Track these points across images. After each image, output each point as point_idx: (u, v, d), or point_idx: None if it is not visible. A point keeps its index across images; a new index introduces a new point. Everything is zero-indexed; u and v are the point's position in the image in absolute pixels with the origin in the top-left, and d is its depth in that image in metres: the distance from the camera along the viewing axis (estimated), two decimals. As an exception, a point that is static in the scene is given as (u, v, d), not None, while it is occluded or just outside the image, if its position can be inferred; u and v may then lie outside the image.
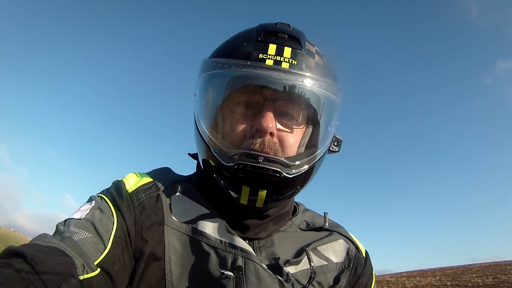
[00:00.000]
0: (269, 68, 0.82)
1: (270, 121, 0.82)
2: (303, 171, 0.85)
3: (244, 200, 0.84)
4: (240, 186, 0.82)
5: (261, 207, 0.85)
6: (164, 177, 0.93)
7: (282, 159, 0.82)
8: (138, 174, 0.95)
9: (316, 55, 0.90)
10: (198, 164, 1.02)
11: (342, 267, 0.94)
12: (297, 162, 0.84)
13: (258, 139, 0.82)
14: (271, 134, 0.82)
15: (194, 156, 1.02)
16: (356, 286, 0.94)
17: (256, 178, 0.80)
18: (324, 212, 1.05)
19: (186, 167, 1.07)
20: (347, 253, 0.97)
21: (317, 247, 0.93)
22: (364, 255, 1.01)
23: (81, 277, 0.68)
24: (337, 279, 0.92)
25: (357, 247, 1.00)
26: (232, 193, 0.85)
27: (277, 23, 0.90)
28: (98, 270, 0.71)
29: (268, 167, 0.80)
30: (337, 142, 0.97)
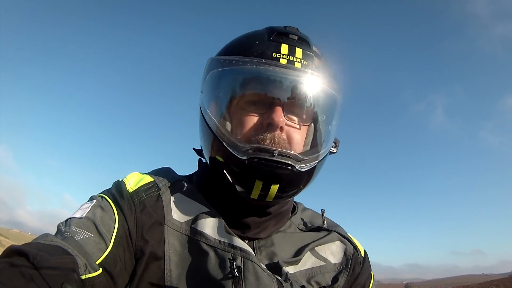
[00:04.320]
0: (284, 66, 0.85)
1: (281, 116, 0.84)
2: (313, 166, 0.88)
3: (255, 195, 0.84)
4: (253, 181, 0.83)
5: (270, 201, 0.87)
6: (164, 177, 0.93)
7: (293, 153, 0.85)
8: (138, 174, 0.94)
9: (322, 57, 0.93)
10: (200, 162, 1.02)
11: (340, 267, 0.95)
12: (307, 158, 0.87)
13: (268, 134, 0.84)
14: (281, 129, 0.85)
15: (198, 151, 1.02)
16: (354, 285, 0.95)
17: (271, 171, 0.82)
18: (321, 210, 1.06)
19: (187, 167, 1.07)
20: (345, 254, 0.98)
21: (315, 248, 0.94)
22: (362, 254, 1.01)
23: (83, 277, 0.68)
24: (335, 279, 0.92)
25: (355, 247, 1.01)
26: (239, 188, 0.85)
27: (286, 26, 0.92)
28: (100, 270, 0.71)
29: (283, 160, 0.82)
30: (335, 143, 0.99)
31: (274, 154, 0.81)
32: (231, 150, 0.83)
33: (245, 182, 0.84)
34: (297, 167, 0.83)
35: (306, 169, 0.86)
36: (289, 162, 0.82)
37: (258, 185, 0.83)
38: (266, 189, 0.83)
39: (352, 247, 1.00)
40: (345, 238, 1.01)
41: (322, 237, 0.97)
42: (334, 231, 1.01)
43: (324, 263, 0.93)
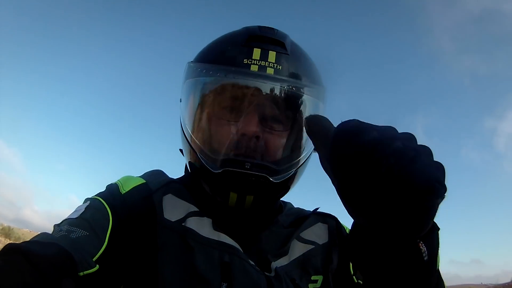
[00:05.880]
0: (253, 74, 0.83)
1: (255, 125, 0.82)
2: (290, 175, 0.86)
3: (232, 204, 0.85)
4: (228, 192, 0.83)
5: (248, 208, 0.86)
6: (156, 179, 0.95)
7: (269, 164, 0.83)
8: (131, 177, 0.96)
9: (301, 57, 0.91)
10: (186, 166, 1.03)
11: (329, 246, 0.94)
12: (284, 166, 0.85)
13: (244, 144, 0.82)
14: (257, 137, 0.83)
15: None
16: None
17: (244, 184, 0.81)
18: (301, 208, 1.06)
19: (182, 169, 1.08)
20: (329, 230, 0.96)
21: (300, 234, 0.93)
22: (347, 231, 0.99)
23: (81, 273, 0.68)
24: (329, 260, 0.91)
25: (337, 221, 0.99)
26: (218, 197, 0.86)
27: (261, 26, 0.90)
28: (97, 266, 0.72)
29: (256, 173, 0.80)
30: None
31: (247, 166, 0.78)
32: (204, 163, 0.83)
33: (220, 193, 0.85)
34: (271, 179, 0.80)
35: (282, 180, 0.84)
36: (263, 173, 0.79)
37: (233, 197, 0.83)
38: (241, 199, 0.83)
39: (333, 221, 0.99)
40: (324, 215, 1.00)
41: (304, 222, 0.96)
42: (312, 214, 0.99)
43: (313, 246, 0.92)
